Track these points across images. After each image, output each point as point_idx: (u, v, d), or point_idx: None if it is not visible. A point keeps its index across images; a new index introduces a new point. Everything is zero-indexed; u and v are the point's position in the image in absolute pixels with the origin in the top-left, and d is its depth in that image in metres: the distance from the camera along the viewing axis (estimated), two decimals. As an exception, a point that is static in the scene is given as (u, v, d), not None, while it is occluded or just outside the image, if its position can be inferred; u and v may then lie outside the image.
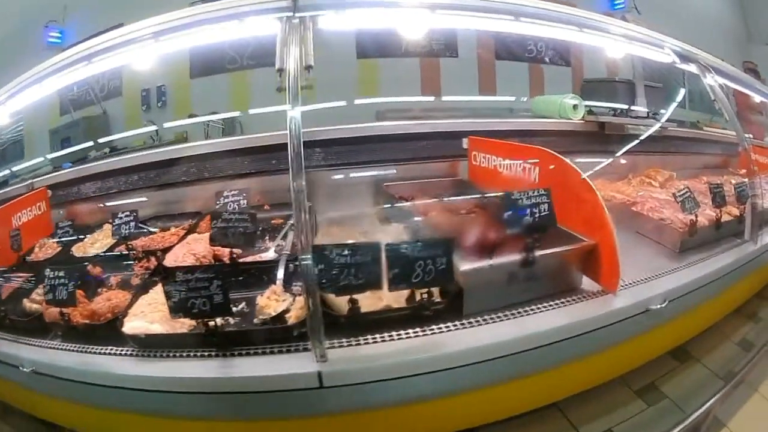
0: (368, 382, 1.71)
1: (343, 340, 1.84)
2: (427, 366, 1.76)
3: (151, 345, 1.88)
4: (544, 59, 6.66)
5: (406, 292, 1.90)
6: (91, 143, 4.88)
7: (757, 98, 4.78)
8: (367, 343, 1.84)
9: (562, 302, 2.16)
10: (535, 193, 2.13)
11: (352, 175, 3.62)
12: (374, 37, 5.90)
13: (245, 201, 3.04)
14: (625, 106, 4.44)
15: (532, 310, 2.09)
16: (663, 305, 2.26)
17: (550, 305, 2.13)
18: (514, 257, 2.06)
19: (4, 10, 5.77)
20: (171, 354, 1.85)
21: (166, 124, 5.33)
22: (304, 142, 1.83)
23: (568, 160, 2.42)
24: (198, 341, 1.84)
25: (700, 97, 6.57)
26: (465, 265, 1.95)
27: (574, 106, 4.25)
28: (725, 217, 3.17)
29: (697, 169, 4.28)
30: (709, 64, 3.41)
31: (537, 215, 2.08)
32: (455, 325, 1.95)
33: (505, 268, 2.05)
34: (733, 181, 3.64)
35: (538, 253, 2.09)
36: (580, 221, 2.34)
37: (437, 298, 1.91)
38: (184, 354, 1.84)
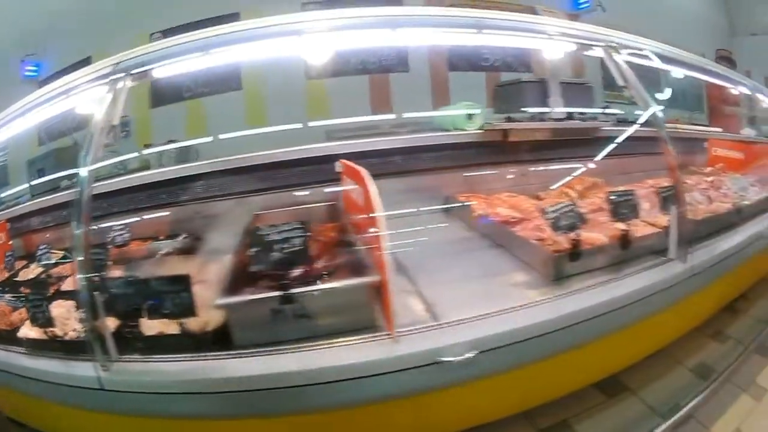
0: (141, 392, 1.78)
1: (135, 355, 1.89)
2: (187, 387, 1.74)
3: (30, 346, 2.10)
4: (502, 67, 5.84)
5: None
6: (62, 173, 4.92)
7: (734, 89, 4.09)
8: (152, 361, 1.86)
9: (345, 342, 1.79)
10: (287, 227, 1.90)
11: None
12: (323, 57, 5.35)
13: (128, 234, 3.05)
14: (547, 109, 3.67)
15: (311, 345, 1.79)
16: (469, 356, 1.69)
17: (332, 343, 1.79)
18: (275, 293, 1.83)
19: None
20: (41, 354, 2.06)
21: (121, 157, 4.85)
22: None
23: (369, 183, 1.99)
24: (51, 346, 2.06)
25: (683, 96, 5.73)
26: (222, 299, 1.85)
27: (469, 116, 3.53)
28: (646, 231, 2.51)
29: (649, 172, 3.50)
30: (626, 45, 2.71)
31: (287, 251, 1.87)
32: (230, 354, 1.80)
33: (268, 303, 1.82)
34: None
35: (303, 289, 1.84)
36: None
37: (198, 328, 1.89)
38: (46, 355, 2.04)
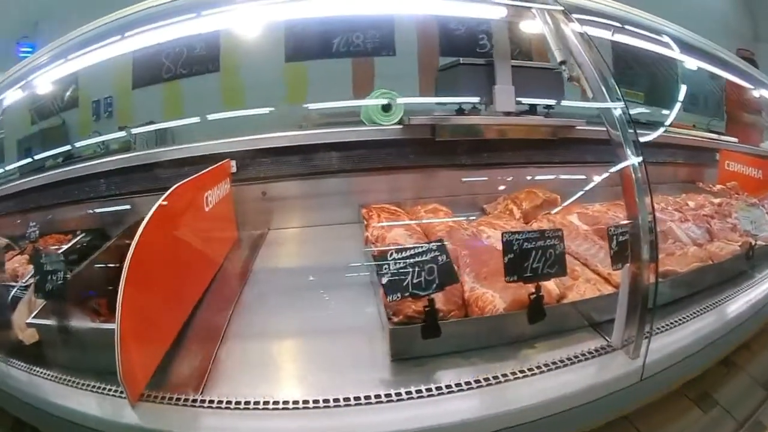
0: None
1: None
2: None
3: None
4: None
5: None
6: (48, 153, 4.40)
7: (756, 93, 3.08)
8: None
9: (93, 389, 1.29)
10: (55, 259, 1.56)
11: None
12: (304, 37, 4.74)
13: (37, 232, 2.55)
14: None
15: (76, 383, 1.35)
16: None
17: (85, 386, 1.32)
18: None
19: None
20: None
21: (98, 138, 4.80)
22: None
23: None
24: None
25: (705, 100, 4.44)
26: (31, 318, 1.50)
27: (384, 108, 2.56)
28: (586, 292, 1.55)
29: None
30: (585, 9, 1.77)
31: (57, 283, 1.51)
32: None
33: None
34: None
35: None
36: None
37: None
38: None
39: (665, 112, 3.48)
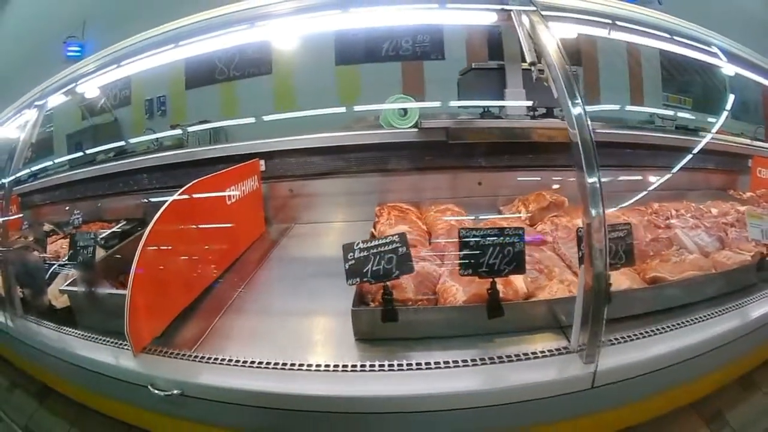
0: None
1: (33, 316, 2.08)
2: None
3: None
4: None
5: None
6: (98, 148, 5.03)
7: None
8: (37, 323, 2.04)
9: (103, 342, 1.72)
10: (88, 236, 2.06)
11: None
12: (354, 42, 4.99)
13: (80, 219, 3.02)
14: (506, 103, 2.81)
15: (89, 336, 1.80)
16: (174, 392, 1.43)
17: (99, 339, 1.76)
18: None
19: (24, 26, 6.30)
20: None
21: (151, 136, 5.36)
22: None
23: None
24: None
25: (755, 108, 4.25)
26: (64, 286, 1.95)
27: (402, 111, 2.84)
28: (558, 292, 1.67)
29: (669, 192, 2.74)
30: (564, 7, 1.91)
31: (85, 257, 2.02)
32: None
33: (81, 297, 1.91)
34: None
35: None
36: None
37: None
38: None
39: (711, 119, 3.45)
